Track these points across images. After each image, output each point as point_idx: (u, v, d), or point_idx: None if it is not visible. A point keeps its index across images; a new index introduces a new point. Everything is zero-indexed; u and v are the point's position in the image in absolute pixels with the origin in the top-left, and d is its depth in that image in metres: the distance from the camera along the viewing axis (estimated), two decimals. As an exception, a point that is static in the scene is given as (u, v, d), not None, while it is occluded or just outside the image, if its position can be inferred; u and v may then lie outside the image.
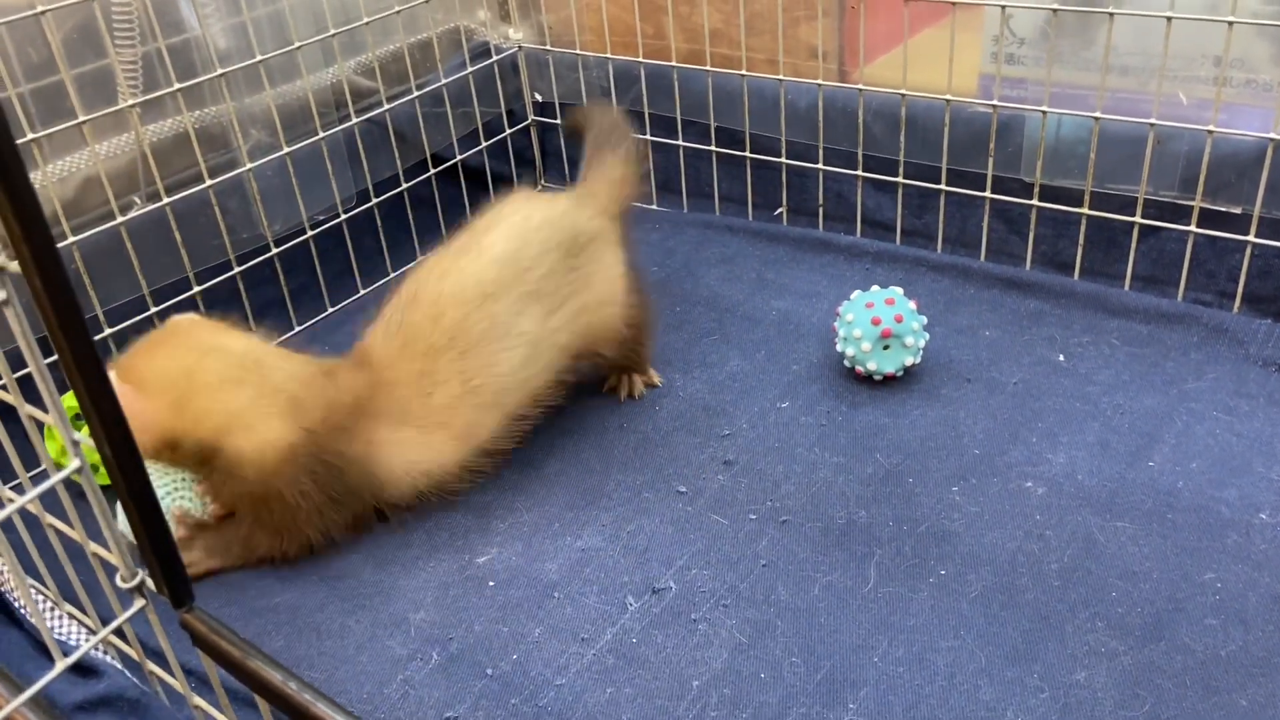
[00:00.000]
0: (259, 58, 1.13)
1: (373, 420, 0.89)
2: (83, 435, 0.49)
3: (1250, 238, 1.05)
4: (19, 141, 0.90)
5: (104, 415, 0.45)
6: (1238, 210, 1.07)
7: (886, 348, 1.02)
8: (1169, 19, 1.00)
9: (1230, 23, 0.98)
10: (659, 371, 1.09)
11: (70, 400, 0.86)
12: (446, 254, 0.95)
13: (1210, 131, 1.03)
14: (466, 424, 0.91)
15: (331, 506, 0.88)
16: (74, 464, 0.49)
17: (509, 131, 1.47)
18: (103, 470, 0.48)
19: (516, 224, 0.95)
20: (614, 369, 1.06)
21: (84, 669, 0.67)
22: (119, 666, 0.69)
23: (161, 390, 0.84)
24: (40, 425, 0.61)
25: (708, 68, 1.31)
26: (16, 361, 0.97)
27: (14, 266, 0.42)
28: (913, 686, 0.74)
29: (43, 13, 0.94)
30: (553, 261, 0.94)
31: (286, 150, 1.17)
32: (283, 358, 0.91)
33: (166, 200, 1.08)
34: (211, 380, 0.85)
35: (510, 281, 0.91)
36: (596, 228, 1.00)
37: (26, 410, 0.52)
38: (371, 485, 0.89)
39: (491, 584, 0.86)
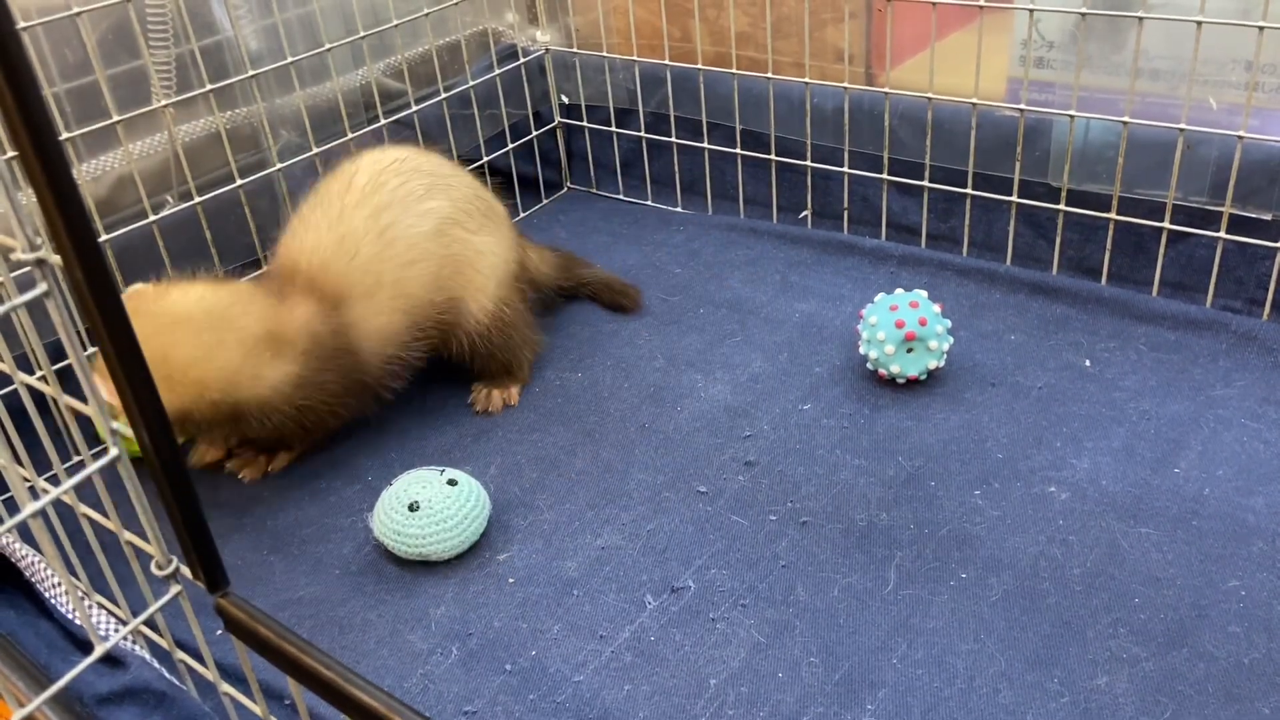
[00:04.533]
0: (290, 59, 1.14)
1: (333, 308, 0.97)
2: (120, 425, 0.50)
3: (1280, 244, 1.05)
4: (56, 140, 0.91)
5: (143, 404, 0.46)
6: (1268, 217, 1.06)
7: (910, 351, 1.01)
8: (1199, 23, 0.99)
9: (1261, 28, 0.97)
10: (680, 372, 1.09)
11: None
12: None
13: (1241, 137, 1.02)
14: (394, 279, 0.99)
15: (348, 392, 0.99)
16: (113, 453, 0.50)
17: (535, 133, 1.48)
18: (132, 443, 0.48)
19: (400, 157, 1.04)
20: (478, 375, 1.09)
21: (111, 660, 0.68)
22: (146, 657, 0.70)
23: None
24: (78, 416, 0.63)
25: (734, 71, 1.31)
26: (50, 353, 0.98)
27: (55, 259, 0.43)
28: (931, 689, 0.74)
29: (78, 14, 0.96)
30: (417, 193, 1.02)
31: (316, 151, 1.19)
32: (238, 300, 0.94)
33: (198, 199, 1.09)
34: (191, 352, 0.89)
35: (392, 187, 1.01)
36: (484, 205, 1.07)
37: (66, 401, 0.53)
38: (359, 363, 0.99)
39: (511, 580, 0.87)
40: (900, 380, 1.03)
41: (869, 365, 1.04)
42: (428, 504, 0.88)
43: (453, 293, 1.03)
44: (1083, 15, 1.07)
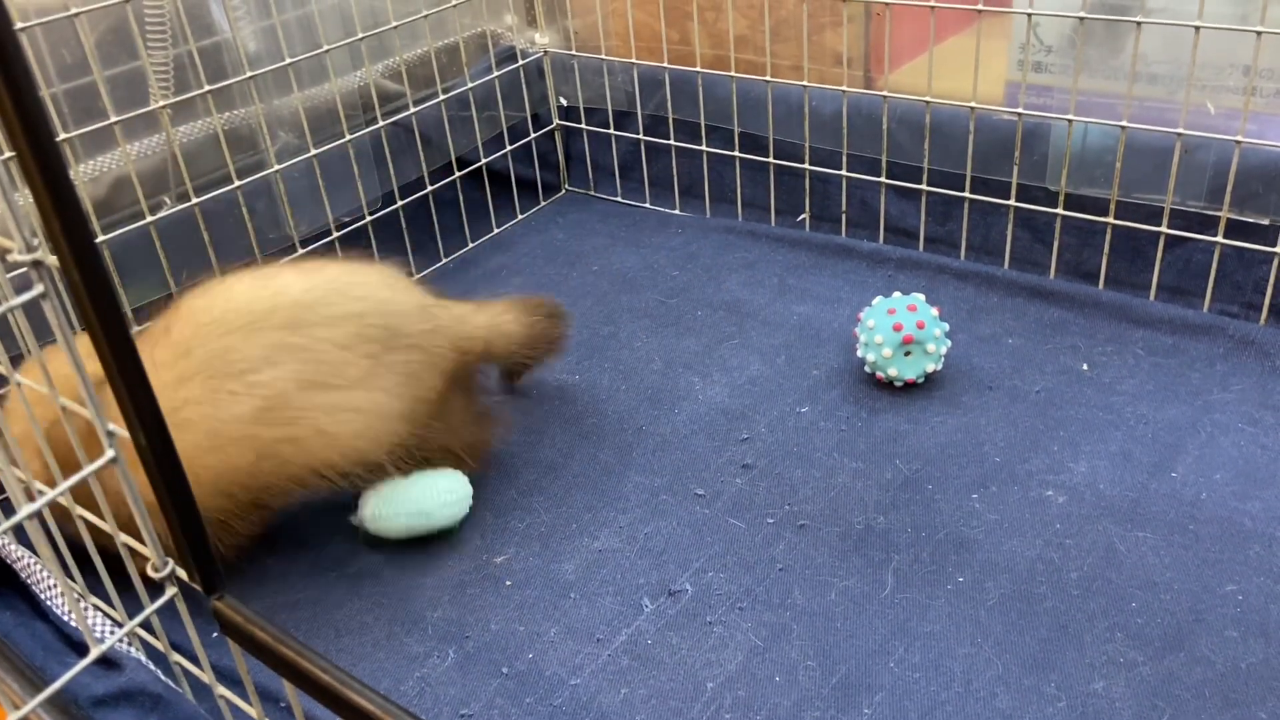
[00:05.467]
0: (288, 60, 1.14)
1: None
2: (119, 428, 0.50)
3: (1278, 249, 1.05)
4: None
5: (139, 406, 0.45)
6: (1265, 221, 1.07)
7: (908, 354, 1.01)
8: (1197, 28, 0.99)
9: (1259, 33, 0.97)
10: (677, 374, 1.09)
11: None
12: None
13: (1239, 142, 1.02)
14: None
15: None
16: (109, 454, 0.49)
17: (534, 135, 1.48)
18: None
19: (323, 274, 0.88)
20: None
21: (106, 662, 0.68)
22: (142, 660, 0.70)
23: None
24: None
25: (732, 74, 1.32)
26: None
27: (53, 260, 0.43)
28: (928, 693, 0.74)
29: (76, 14, 0.96)
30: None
31: (314, 152, 1.19)
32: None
33: (196, 200, 1.09)
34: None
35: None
36: (382, 334, 0.86)
37: (60, 401, 0.53)
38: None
39: (508, 583, 0.87)
40: (898, 383, 1.03)
41: (867, 368, 1.04)
42: (430, 475, 0.89)
43: (311, 466, 0.84)
44: (1081, 19, 1.07)
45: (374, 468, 0.87)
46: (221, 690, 0.61)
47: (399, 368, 0.86)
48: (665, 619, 0.82)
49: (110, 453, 0.50)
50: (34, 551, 0.79)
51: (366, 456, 0.85)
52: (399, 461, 0.88)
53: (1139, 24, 1.03)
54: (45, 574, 0.78)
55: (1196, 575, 0.81)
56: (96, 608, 0.76)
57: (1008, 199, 1.18)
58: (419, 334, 0.88)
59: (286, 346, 0.82)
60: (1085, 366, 1.05)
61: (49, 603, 0.78)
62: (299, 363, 0.82)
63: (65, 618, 0.77)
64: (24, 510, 0.50)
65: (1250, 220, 1.07)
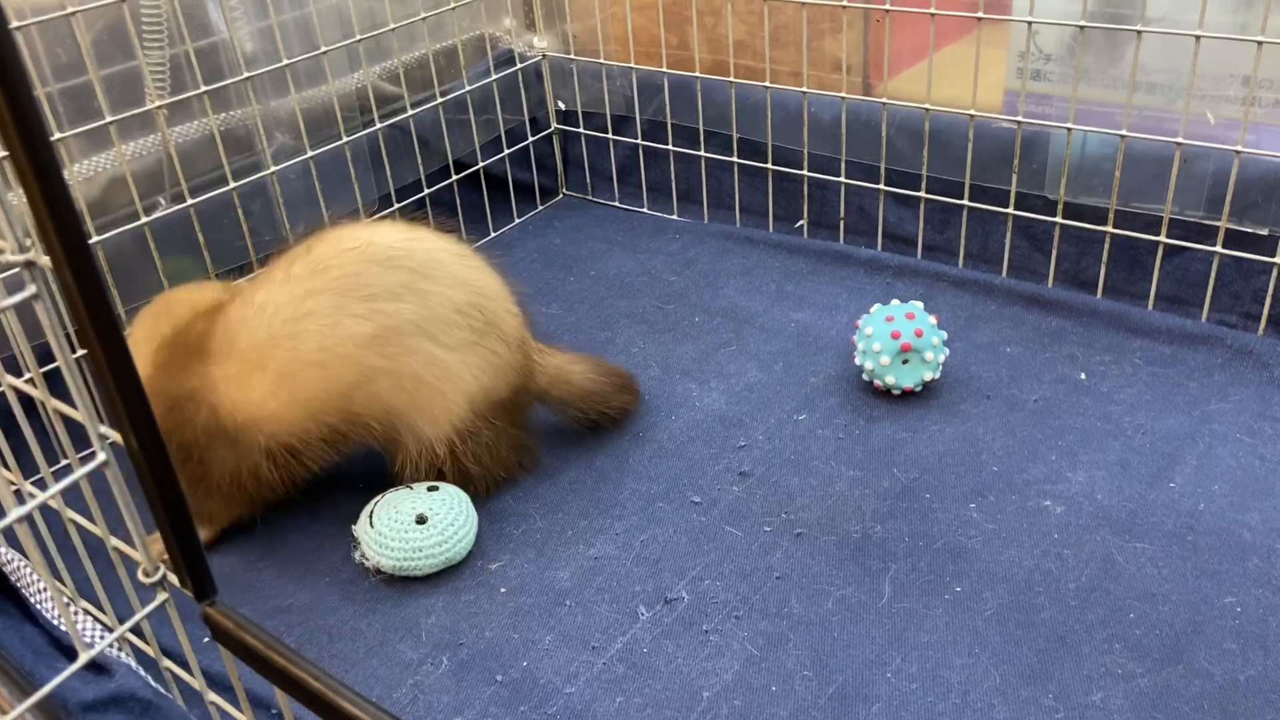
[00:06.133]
0: (285, 62, 1.14)
1: (203, 368, 0.91)
2: (111, 432, 0.50)
3: (1276, 260, 1.05)
4: (48, 140, 0.90)
5: (131, 408, 0.45)
6: (1264, 232, 1.06)
7: (906, 362, 1.01)
8: (1197, 38, 0.99)
9: (1260, 43, 0.97)
10: (674, 381, 1.09)
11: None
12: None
13: (1238, 152, 1.02)
14: (284, 371, 0.87)
15: (212, 464, 0.90)
16: (101, 458, 0.49)
17: (532, 139, 1.48)
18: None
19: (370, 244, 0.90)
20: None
21: (96, 667, 0.67)
22: (132, 665, 0.70)
23: None
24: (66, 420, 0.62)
25: (731, 79, 1.31)
26: (37, 354, 0.97)
27: (45, 261, 0.42)
28: (925, 704, 0.73)
29: (73, 14, 0.95)
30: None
31: (310, 154, 1.18)
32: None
33: (191, 201, 1.08)
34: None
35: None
36: (481, 319, 0.91)
37: (53, 405, 0.52)
38: (224, 435, 0.91)
39: (503, 590, 0.86)
40: (896, 391, 1.03)
41: (864, 376, 1.04)
42: (432, 511, 0.87)
43: (391, 409, 0.89)
44: (1081, 28, 1.07)
45: (423, 445, 0.90)
46: (212, 696, 0.60)
47: (487, 356, 0.91)
48: (661, 627, 0.81)
49: (102, 456, 0.49)
50: (23, 554, 0.78)
51: (436, 422, 0.89)
52: (445, 459, 0.91)
53: (1139, 33, 1.02)
54: (35, 577, 0.77)
55: (1195, 587, 0.81)
56: (86, 612, 0.76)
57: (1006, 207, 1.18)
58: (510, 337, 0.93)
59: (414, 289, 0.87)
60: (1083, 375, 1.05)
61: (38, 606, 0.77)
62: (420, 306, 0.87)
63: (55, 621, 0.76)
64: (14, 513, 0.49)
65: (1249, 230, 1.07)
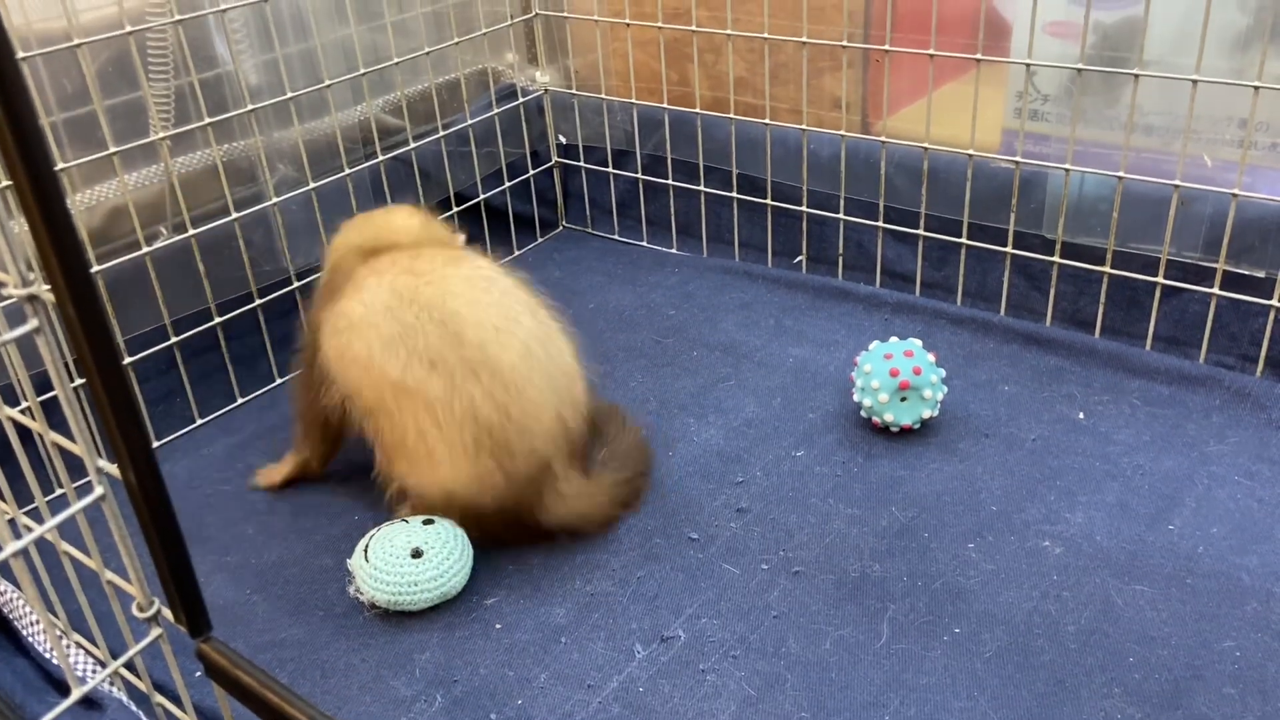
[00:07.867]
0: (290, 94, 1.14)
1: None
2: (110, 466, 0.49)
3: (1274, 302, 1.05)
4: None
5: (130, 442, 0.45)
6: (1261, 274, 1.07)
7: (904, 399, 1.01)
8: (1195, 81, 1.00)
9: (1256, 87, 0.98)
10: (672, 415, 1.09)
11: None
12: None
13: (1235, 194, 1.03)
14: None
15: (310, 397, 0.98)
16: (98, 491, 0.49)
17: (533, 172, 1.49)
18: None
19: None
20: None
21: (88, 702, 0.67)
22: (123, 700, 0.69)
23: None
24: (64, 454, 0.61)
25: (731, 115, 1.32)
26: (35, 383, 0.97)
27: (48, 295, 0.42)
28: (924, 747, 0.73)
29: (79, 45, 0.96)
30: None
31: (313, 185, 1.18)
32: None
33: (192, 231, 1.09)
34: None
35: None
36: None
37: (52, 438, 0.52)
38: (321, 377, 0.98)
39: (498, 626, 0.85)
40: (894, 429, 1.03)
41: (863, 413, 1.04)
42: (428, 545, 0.86)
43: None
44: (1079, 70, 1.08)
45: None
46: (204, 734, 0.60)
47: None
48: (657, 666, 0.81)
49: (99, 490, 0.49)
50: (17, 586, 0.78)
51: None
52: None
53: (1136, 76, 1.03)
54: (28, 609, 0.76)
55: (1194, 630, 0.80)
56: (79, 645, 0.75)
57: (1004, 246, 1.19)
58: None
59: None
60: (1081, 415, 1.05)
61: (31, 639, 0.77)
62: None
63: (47, 655, 0.75)
64: (10, 547, 0.49)
65: (1246, 273, 1.08)
